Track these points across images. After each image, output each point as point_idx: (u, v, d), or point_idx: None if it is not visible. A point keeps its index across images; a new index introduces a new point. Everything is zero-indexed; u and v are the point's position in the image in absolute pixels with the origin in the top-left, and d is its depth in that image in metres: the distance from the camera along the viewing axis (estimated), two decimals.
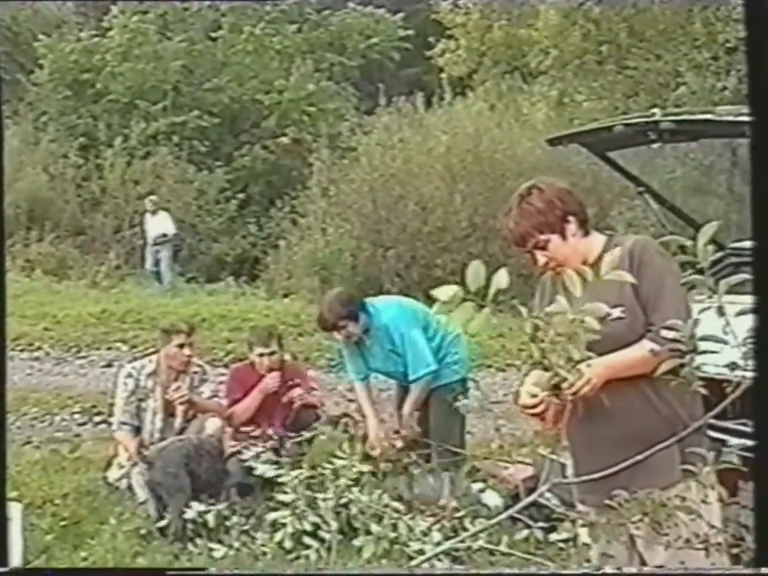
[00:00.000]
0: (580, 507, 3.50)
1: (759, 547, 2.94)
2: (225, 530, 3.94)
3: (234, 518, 3.92)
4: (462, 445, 6.72)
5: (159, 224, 18.78)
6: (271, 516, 4.35)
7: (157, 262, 18.73)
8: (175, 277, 19.01)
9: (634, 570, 3.38)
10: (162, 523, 5.86)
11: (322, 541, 4.30)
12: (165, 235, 18.58)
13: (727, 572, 3.05)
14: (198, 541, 3.96)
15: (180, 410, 6.83)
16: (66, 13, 29.15)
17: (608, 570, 3.18)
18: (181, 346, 6.83)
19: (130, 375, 6.94)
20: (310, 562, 4.18)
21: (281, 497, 4.31)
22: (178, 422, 6.83)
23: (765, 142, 2.99)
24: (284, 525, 4.33)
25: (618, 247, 3.44)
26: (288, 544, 4.23)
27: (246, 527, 3.97)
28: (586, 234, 3.56)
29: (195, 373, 6.99)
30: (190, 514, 3.91)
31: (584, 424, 3.28)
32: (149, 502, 6.31)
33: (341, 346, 7.00)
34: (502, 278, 2.66)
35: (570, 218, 3.52)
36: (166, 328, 7.11)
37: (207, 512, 3.97)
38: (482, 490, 6.49)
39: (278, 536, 4.23)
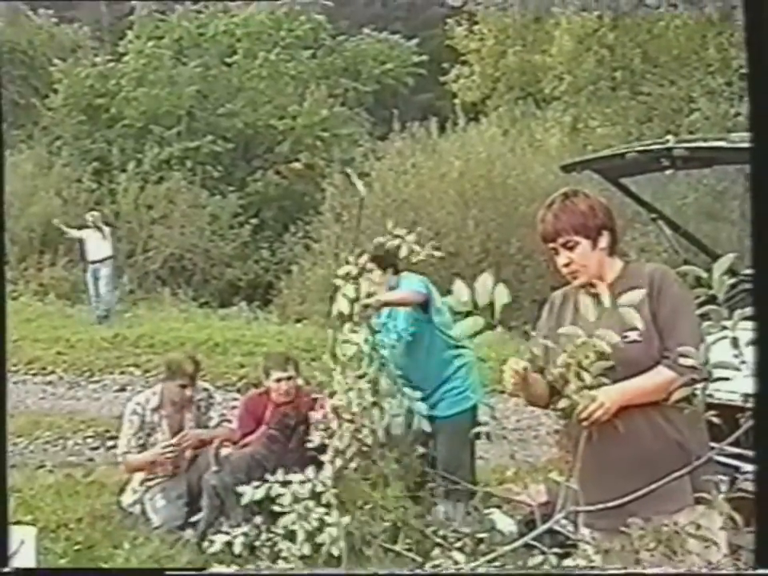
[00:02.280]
0: (585, 531, 3.52)
1: (759, 547, 2.95)
2: (251, 551, 3.93)
3: (263, 536, 3.90)
4: (472, 473, 6.64)
5: (97, 241, 17.31)
6: (282, 521, 4.29)
7: (95, 282, 17.19)
8: (113, 300, 17.58)
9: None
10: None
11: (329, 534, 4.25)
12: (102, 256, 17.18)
13: (727, 572, 3.06)
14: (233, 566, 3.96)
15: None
16: (82, 37, 29.28)
17: (610, 570, 3.19)
18: (183, 386, 6.71)
19: (134, 412, 6.81)
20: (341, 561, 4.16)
21: (282, 500, 4.25)
22: (188, 453, 6.81)
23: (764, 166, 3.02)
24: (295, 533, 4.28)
25: (637, 273, 3.49)
26: (306, 550, 4.18)
27: (270, 545, 3.94)
28: (611, 254, 3.61)
29: (201, 400, 6.89)
30: (216, 546, 3.89)
31: (591, 448, 3.30)
32: (205, 508, 6.38)
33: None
34: (502, 292, 2.71)
35: (605, 232, 3.57)
36: (169, 365, 6.92)
37: (235, 537, 3.95)
38: (495, 516, 6.45)
39: (296, 547, 4.17)
